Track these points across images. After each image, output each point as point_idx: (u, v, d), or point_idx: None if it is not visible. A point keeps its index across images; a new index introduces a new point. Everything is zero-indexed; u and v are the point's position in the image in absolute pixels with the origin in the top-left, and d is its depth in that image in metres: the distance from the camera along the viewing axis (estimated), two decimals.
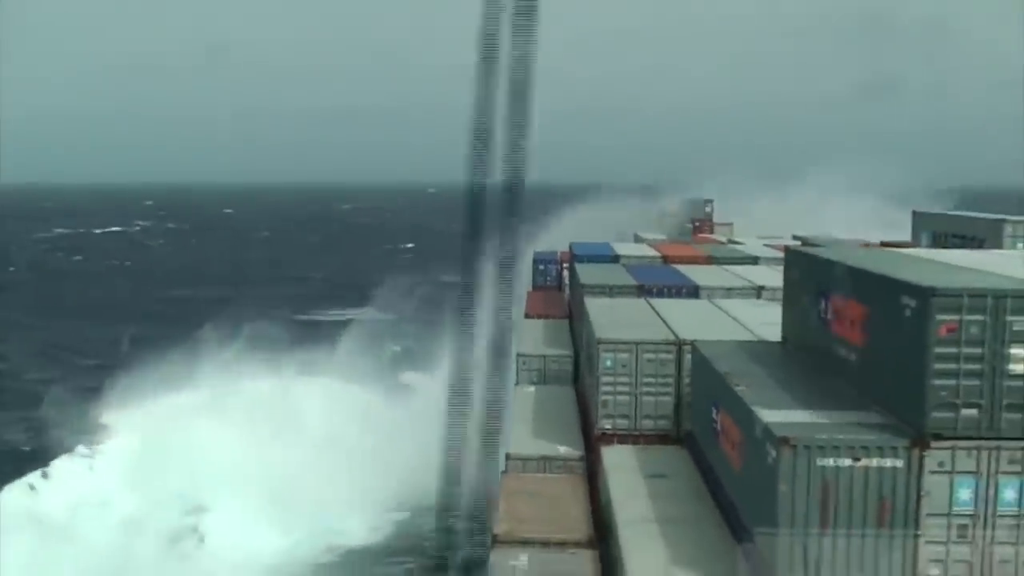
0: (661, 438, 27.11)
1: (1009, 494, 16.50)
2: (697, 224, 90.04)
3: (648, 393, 27.54)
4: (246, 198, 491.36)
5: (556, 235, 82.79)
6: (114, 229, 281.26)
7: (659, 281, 39.30)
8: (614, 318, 30.89)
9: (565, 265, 59.26)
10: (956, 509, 16.52)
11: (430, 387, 71.01)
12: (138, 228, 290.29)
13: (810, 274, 23.27)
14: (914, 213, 61.41)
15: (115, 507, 51.90)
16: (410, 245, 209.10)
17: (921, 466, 16.42)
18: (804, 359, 22.66)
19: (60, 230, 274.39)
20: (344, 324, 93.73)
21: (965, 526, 16.53)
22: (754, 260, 49.07)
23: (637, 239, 71.21)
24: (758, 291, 37.61)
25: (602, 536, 22.23)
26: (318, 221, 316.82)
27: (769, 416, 17.59)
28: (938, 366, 16.46)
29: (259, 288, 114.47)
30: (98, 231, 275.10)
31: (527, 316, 48.05)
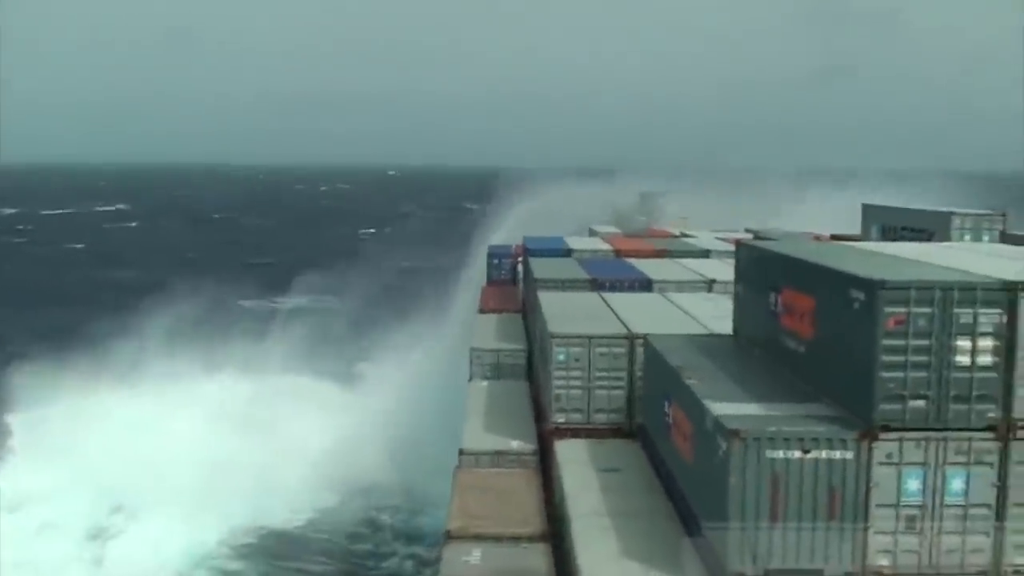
0: (614, 432, 27.12)
1: (956, 484, 16.67)
2: (649, 221, 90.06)
3: (601, 387, 27.55)
4: (203, 179, 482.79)
5: (516, 227, 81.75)
6: (66, 211, 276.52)
7: (611, 275, 39.40)
8: (567, 312, 30.92)
9: (519, 259, 59.30)
10: (905, 500, 16.67)
11: (382, 377, 70.14)
12: (96, 210, 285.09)
13: (760, 267, 23.38)
14: (864, 206, 61.86)
15: (33, 510, 49.76)
16: (371, 230, 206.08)
17: (870, 457, 16.56)
18: (755, 352, 22.77)
19: (7, 210, 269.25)
20: (293, 311, 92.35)
21: (913, 517, 16.68)
22: (706, 254, 49.32)
23: (591, 233, 71.35)
24: (710, 284, 37.76)
25: (555, 530, 22.20)
26: (273, 203, 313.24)
27: (720, 409, 17.65)
28: (886, 358, 16.59)
29: (209, 273, 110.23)
30: (46, 212, 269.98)
31: (481, 311, 48.09)
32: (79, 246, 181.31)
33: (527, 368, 36.84)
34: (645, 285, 38.09)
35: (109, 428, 55.58)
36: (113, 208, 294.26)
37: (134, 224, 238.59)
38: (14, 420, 59.31)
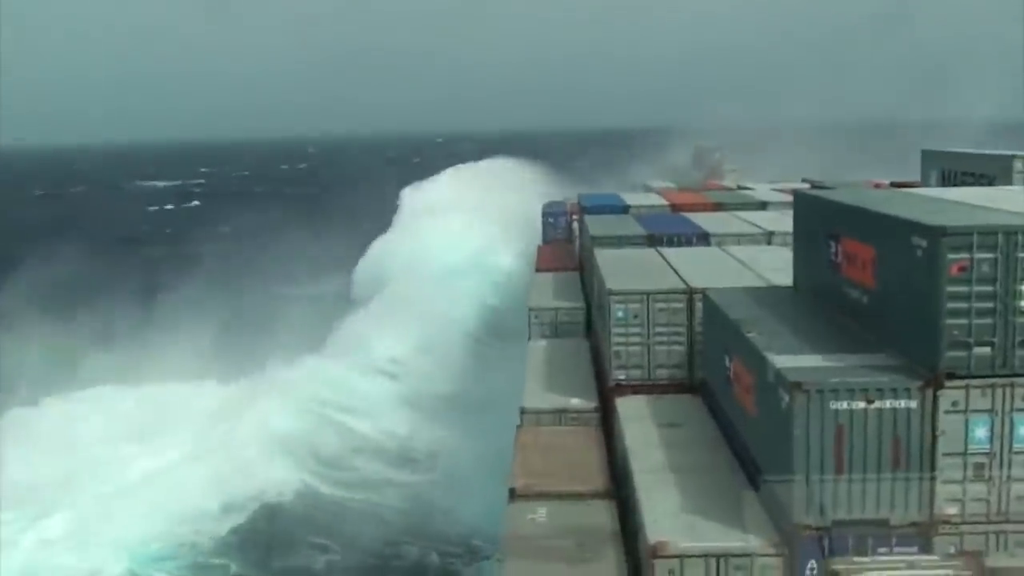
0: (675, 387, 27.10)
1: None
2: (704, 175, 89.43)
3: (661, 343, 27.49)
4: (229, 156, 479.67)
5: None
6: (115, 189, 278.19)
7: (668, 230, 39.08)
8: (624, 269, 30.81)
9: (574, 217, 59.18)
10: (972, 448, 16.49)
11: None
12: (144, 187, 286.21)
13: (819, 217, 23.13)
14: (923, 152, 60.78)
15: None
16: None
17: (935, 406, 16.38)
18: (815, 303, 22.58)
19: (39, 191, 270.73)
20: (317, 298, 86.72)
21: (981, 464, 16.51)
22: (763, 206, 48.93)
23: (646, 189, 70.96)
24: (768, 236, 37.43)
25: (619, 487, 22.28)
26: (304, 174, 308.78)
27: (781, 361, 17.55)
28: (950, 305, 16.38)
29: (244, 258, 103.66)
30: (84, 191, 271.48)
31: (538, 270, 48.11)
32: (141, 227, 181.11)
33: (585, 326, 36.87)
34: (703, 239, 37.80)
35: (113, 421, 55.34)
36: (161, 185, 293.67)
37: (195, 203, 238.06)
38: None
